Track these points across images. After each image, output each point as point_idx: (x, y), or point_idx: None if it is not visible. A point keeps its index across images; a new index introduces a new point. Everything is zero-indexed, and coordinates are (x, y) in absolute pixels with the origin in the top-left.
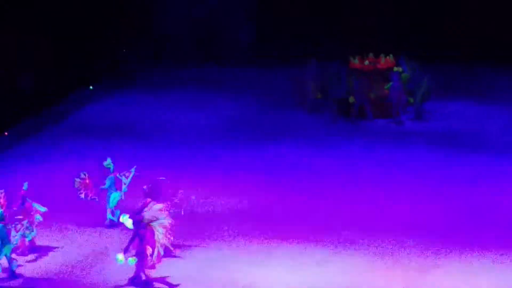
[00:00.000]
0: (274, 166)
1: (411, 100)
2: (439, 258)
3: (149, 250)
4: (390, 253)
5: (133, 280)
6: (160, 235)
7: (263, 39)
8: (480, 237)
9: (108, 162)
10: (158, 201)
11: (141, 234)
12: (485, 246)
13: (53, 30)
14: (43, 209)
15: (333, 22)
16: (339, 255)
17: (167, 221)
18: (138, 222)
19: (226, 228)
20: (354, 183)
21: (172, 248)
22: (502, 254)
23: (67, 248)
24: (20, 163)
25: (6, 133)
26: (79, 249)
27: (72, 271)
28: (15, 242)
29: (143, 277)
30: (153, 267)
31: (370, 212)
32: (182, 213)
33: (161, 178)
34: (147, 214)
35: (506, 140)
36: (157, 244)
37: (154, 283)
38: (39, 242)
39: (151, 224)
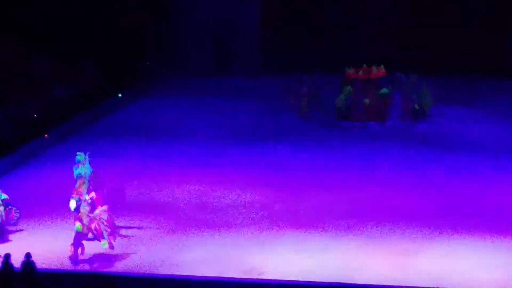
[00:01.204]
0: (280, 163)
1: (416, 106)
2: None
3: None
4: (379, 240)
5: (72, 258)
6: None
7: (266, 53)
8: (460, 223)
9: (79, 155)
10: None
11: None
12: (464, 231)
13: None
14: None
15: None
16: (335, 241)
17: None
18: (77, 209)
19: (236, 217)
20: (349, 178)
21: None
22: (480, 237)
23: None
24: (57, 160)
25: (46, 136)
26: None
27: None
28: None
29: (73, 254)
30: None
31: (362, 204)
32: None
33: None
34: (82, 207)
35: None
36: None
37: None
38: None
39: (81, 212)
